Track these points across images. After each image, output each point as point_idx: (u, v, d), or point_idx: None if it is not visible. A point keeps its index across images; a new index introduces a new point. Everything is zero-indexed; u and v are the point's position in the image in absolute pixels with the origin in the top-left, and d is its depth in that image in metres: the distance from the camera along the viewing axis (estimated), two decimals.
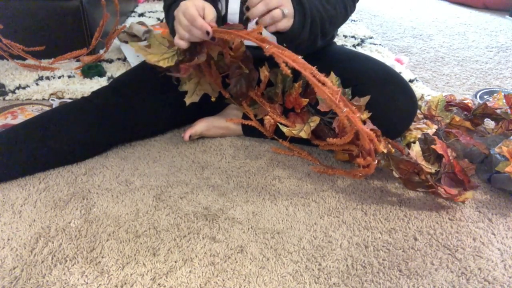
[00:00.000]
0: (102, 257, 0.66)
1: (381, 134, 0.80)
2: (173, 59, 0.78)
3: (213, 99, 0.90)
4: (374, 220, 0.76)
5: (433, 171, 0.80)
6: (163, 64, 0.77)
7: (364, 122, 0.79)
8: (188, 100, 0.88)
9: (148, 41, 0.80)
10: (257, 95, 0.92)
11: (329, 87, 0.65)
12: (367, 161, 0.75)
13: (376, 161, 0.74)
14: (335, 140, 0.77)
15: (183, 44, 0.73)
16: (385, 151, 0.77)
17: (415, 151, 0.81)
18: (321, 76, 0.66)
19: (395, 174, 0.81)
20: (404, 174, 0.82)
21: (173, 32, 0.79)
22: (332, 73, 0.83)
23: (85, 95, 0.94)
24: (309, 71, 0.65)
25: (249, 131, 0.99)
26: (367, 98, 0.81)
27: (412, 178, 0.82)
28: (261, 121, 0.95)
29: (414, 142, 0.84)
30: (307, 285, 0.62)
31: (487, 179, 0.87)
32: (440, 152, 0.80)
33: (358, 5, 0.92)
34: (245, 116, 0.96)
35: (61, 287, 0.60)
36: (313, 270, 0.65)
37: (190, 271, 0.64)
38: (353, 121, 0.66)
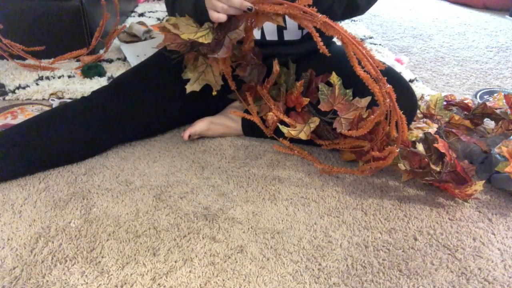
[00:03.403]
0: (102, 257, 0.66)
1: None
2: (209, 36, 0.75)
3: (214, 92, 0.89)
4: (374, 220, 0.76)
5: (437, 169, 0.80)
6: (202, 40, 0.74)
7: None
8: (189, 88, 0.86)
9: (172, 23, 0.76)
10: (266, 88, 0.91)
11: (376, 63, 0.65)
12: (387, 150, 0.75)
13: (398, 150, 0.74)
14: (353, 132, 0.77)
15: (222, 17, 0.70)
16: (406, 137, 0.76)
17: (420, 149, 0.81)
18: (368, 51, 0.65)
19: (402, 167, 0.81)
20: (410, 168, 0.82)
21: (195, 14, 0.77)
22: (334, 73, 0.83)
23: (85, 95, 0.94)
24: (357, 45, 0.65)
25: (249, 131, 0.99)
26: (368, 99, 0.81)
27: (418, 171, 0.82)
28: (262, 120, 0.95)
29: (418, 142, 0.84)
30: (307, 285, 0.62)
31: (487, 179, 0.87)
32: (443, 150, 0.80)
33: None
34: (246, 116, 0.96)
35: (61, 287, 0.60)
36: (313, 270, 0.65)
37: (190, 271, 0.64)
38: (392, 99, 0.66)
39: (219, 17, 0.70)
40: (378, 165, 0.78)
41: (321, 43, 0.67)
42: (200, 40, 0.73)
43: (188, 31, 0.74)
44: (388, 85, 0.66)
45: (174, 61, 0.83)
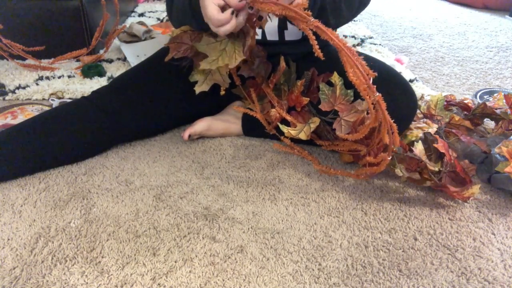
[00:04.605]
0: (102, 257, 0.66)
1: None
2: (239, 48, 0.75)
3: (222, 92, 0.88)
4: (374, 220, 0.76)
5: (436, 169, 0.80)
6: (239, 57, 0.75)
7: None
8: (198, 89, 0.85)
9: (200, 49, 0.77)
10: (272, 82, 0.91)
11: (365, 70, 0.65)
12: (380, 157, 0.74)
13: (390, 157, 0.73)
14: (349, 135, 0.77)
15: (231, 27, 0.69)
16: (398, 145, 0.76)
17: (419, 149, 0.81)
18: (359, 58, 0.65)
19: (399, 173, 0.81)
20: (408, 172, 0.82)
21: (197, 21, 0.77)
22: (335, 73, 0.83)
23: (85, 95, 0.94)
24: (348, 51, 0.65)
25: (249, 131, 0.99)
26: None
27: (415, 176, 0.82)
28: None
29: (417, 141, 0.85)
30: (307, 285, 0.62)
31: (487, 179, 0.87)
32: (442, 150, 0.80)
33: None
34: (247, 115, 0.96)
35: (61, 287, 0.60)
36: (313, 270, 0.65)
37: (190, 271, 0.64)
38: (382, 108, 0.66)
39: (226, 29, 0.69)
40: (372, 171, 0.78)
41: (317, 47, 0.66)
42: (238, 58, 0.74)
43: (216, 52, 0.75)
44: (378, 94, 0.65)
45: (185, 69, 0.84)
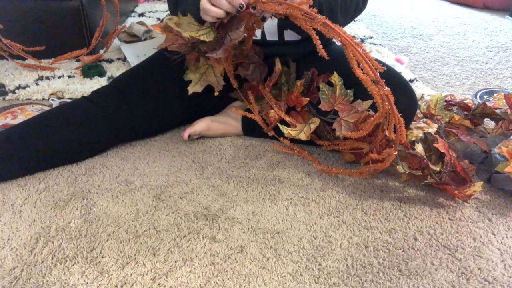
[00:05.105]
0: (102, 257, 0.66)
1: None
2: (211, 35, 0.74)
3: (216, 93, 0.89)
4: (374, 220, 0.76)
5: (437, 169, 0.80)
6: (204, 38, 0.73)
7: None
8: (191, 89, 0.86)
9: (174, 22, 0.75)
10: (268, 86, 0.91)
11: (375, 66, 0.65)
12: (385, 153, 0.74)
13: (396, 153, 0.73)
14: (352, 133, 0.77)
15: (222, 13, 0.69)
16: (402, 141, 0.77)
17: (419, 150, 0.81)
18: (367, 53, 0.65)
19: (400, 170, 0.81)
20: (409, 170, 0.82)
21: (197, 16, 0.76)
22: (335, 73, 0.83)
23: (85, 95, 0.94)
24: (355, 46, 0.65)
25: (249, 131, 0.99)
26: (369, 102, 0.81)
27: (417, 173, 0.82)
28: (263, 120, 0.95)
29: (417, 142, 0.85)
30: (307, 285, 0.62)
31: (487, 179, 0.87)
32: (442, 150, 0.80)
33: None
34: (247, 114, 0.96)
35: (61, 287, 0.60)
36: (313, 270, 0.65)
37: (190, 271, 0.64)
38: (390, 102, 0.66)
39: (217, 13, 0.69)
40: (376, 168, 0.78)
41: (321, 46, 0.66)
42: (202, 38, 0.73)
43: (190, 29, 0.74)
44: (387, 88, 0.66)
45: (175, 62, 0.83)
